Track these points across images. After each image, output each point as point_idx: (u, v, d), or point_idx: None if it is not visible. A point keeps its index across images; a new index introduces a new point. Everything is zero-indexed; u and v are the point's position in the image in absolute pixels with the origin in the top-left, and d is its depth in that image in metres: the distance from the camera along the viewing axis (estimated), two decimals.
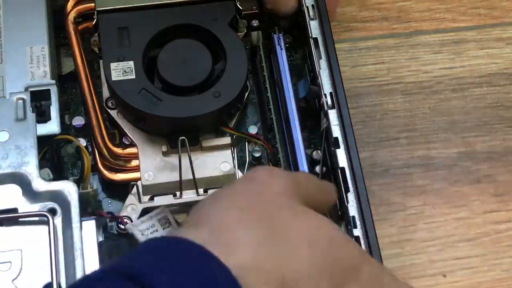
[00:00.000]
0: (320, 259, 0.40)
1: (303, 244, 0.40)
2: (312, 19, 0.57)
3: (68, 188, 0.48)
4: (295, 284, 0.39)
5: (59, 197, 0.48)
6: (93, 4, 0.58)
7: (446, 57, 0.68)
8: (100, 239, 0.49)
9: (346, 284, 0.41)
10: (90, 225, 0.48)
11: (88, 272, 0.46)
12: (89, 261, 0.47)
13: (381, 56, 0.68)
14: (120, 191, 0.56)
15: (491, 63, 0.68)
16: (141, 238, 0.53)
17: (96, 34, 0.58)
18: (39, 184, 0.49)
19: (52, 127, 0.53)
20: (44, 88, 0.55)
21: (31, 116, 0.52)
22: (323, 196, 0.48)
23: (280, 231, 0.40)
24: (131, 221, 0.54)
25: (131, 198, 0.55)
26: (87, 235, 0.48)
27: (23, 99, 0.53)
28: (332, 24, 0.57)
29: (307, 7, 0.57)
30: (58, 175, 0.54)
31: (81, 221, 0.47)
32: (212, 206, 0.42)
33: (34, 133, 0.51)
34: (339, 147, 0.52)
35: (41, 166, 0.51)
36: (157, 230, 0.54)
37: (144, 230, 0.53)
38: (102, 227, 0.51)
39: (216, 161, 0.56)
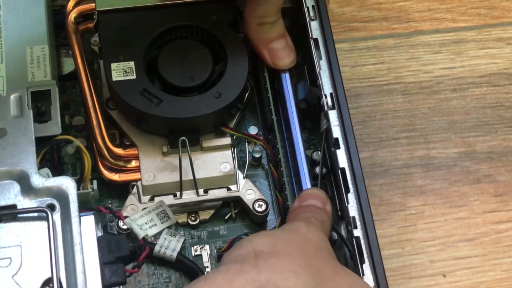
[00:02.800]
0: None
1: None
2: (313, 20, 0.57)
3: (67, 184, 0.48)
4: None
5: (57, 193, 0.48)
6: (93, 4, 0.58)
7: (446, 57, 0.68)
8: (99, 233, 0.49)
9: None
10: (89, 220, 0.48)
11: (87, 266, 0.47)
12: (88, 256, 0.47)
13: (381, 56, 0.68)
14: (120, 191, 0.57)
15: (491, 63, 0.68)
16: (140, 232, 0.53)
17: (97, 34, 0.58)
18: (37, 180, 0.48)
19: (52, 127, 0.53)
20: (44, 89, 0.54)
21: (28, 112, 0.51)
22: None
23: (328, 283, 0.44)
24: None
25: (131, 198, 0.56)
26: (86, 230, 0.48)
27: (20, 96, 0.52)
28: (332, 24, 0.57)
29: (308, 7, 0.57)
30: (58, 175, 0.54)
31: (79, 216, 0.47)
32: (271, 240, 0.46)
33: (32, 130, 0.51)
34: (339, 148, 0.52)
35: (41, 166, 0.51)
36: (155, 225, 0.54)
37: (143, 224, 0.53)
38: (102, 227, 0.51)
39: (216, 162, 0.56)
